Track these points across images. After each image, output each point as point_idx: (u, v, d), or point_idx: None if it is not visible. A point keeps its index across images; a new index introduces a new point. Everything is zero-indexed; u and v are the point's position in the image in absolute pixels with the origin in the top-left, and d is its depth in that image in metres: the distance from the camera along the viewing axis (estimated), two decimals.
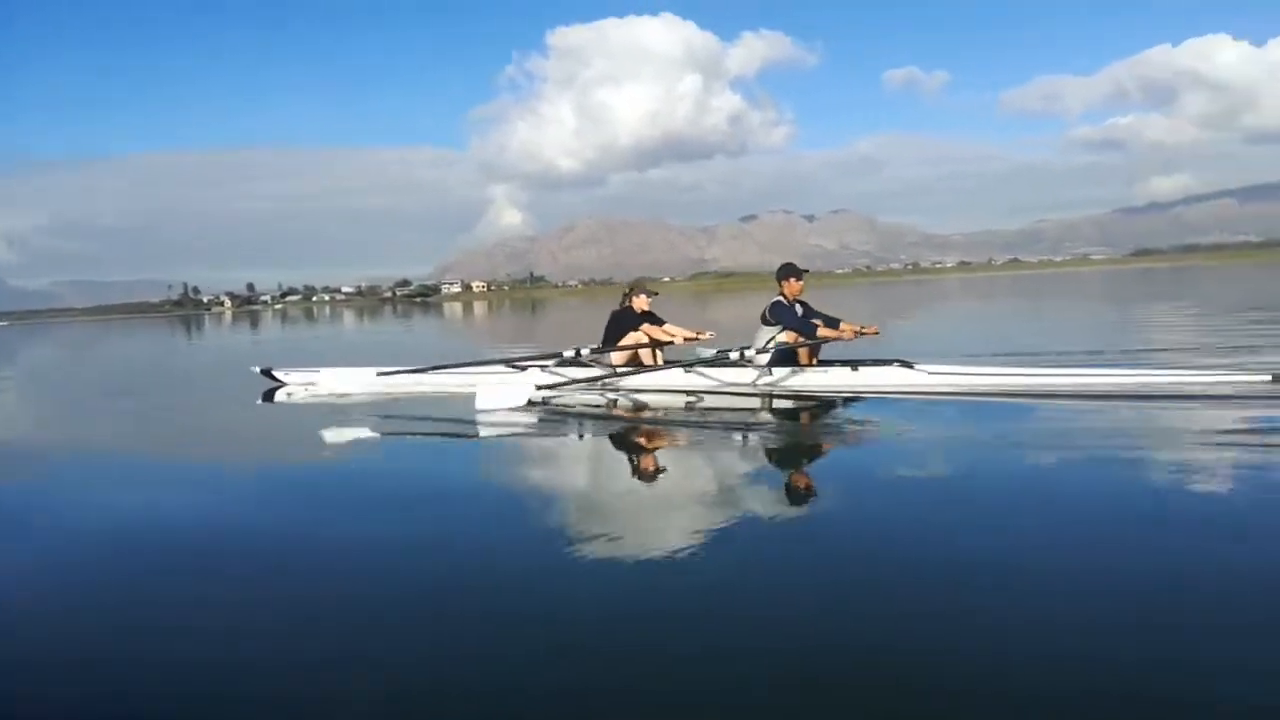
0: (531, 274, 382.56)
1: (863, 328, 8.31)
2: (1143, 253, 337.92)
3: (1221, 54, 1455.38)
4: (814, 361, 8.38)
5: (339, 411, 8.54)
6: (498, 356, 10.51)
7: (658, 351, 8.93)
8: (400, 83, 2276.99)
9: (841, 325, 8.22)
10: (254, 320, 71.13)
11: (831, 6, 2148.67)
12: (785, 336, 8.21)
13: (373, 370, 9.82)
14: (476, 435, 7.11)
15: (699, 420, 7.33)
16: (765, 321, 8.43)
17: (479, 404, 7.57)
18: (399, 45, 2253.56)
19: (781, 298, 8.52)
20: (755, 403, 7.89)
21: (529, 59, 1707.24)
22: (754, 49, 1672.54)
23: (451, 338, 27.52)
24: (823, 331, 8.23)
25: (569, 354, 8.90)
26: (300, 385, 9.93)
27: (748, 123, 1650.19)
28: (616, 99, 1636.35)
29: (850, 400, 7.62)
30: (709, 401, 7.97)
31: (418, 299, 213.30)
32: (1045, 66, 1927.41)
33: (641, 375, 8.60)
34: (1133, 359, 9.44)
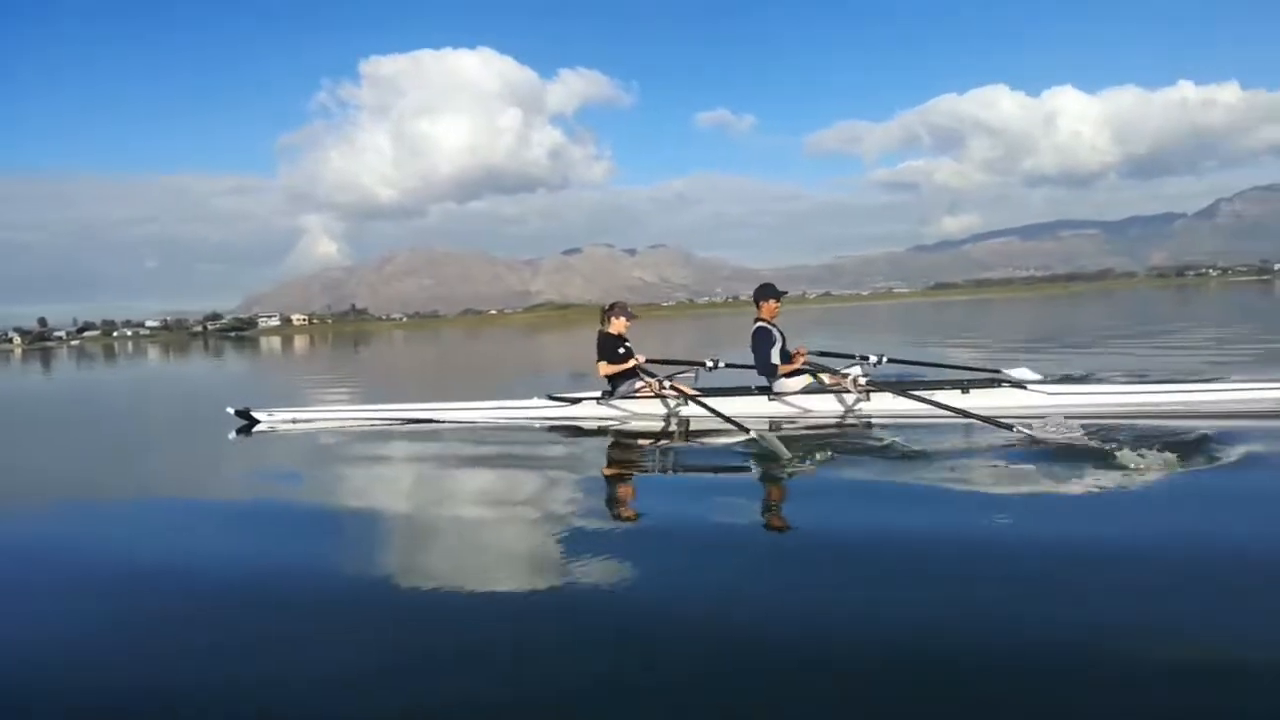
0: (354, 306, 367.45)
1: (799, 352, 8.04)
2: (940, 286, 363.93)
3: (1002, 103, 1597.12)
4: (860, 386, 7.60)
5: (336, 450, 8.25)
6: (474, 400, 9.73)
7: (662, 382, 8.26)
8: (197, 107, 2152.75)
9: (776, 364, 7.91)
10: (46, 358, 64.93)
11: (646, 47, 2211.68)
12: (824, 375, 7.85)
13: (368, 409, 9.79)
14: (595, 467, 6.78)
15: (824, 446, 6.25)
16: (752, 347, 8.10)
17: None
18: (195, 68, 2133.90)
19: (762, 321, 8.10)
20: (856, 426, 7.22)
21: (341, 86, 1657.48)
22: (573, 86, 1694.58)
23: (275, 374, 26.44)
24: (782, 370, 7.93)
25: (602, 391, 8.51)
26: (283, 423, 9.50)
27: (568, 157, 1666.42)
28: (435, 130, 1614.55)
29: (969, 427, 6.60)
30: (798, 428, 7.35)
31: (232, 333, 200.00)
32: (845, 112, 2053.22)
33: (715, 401, 7.67)
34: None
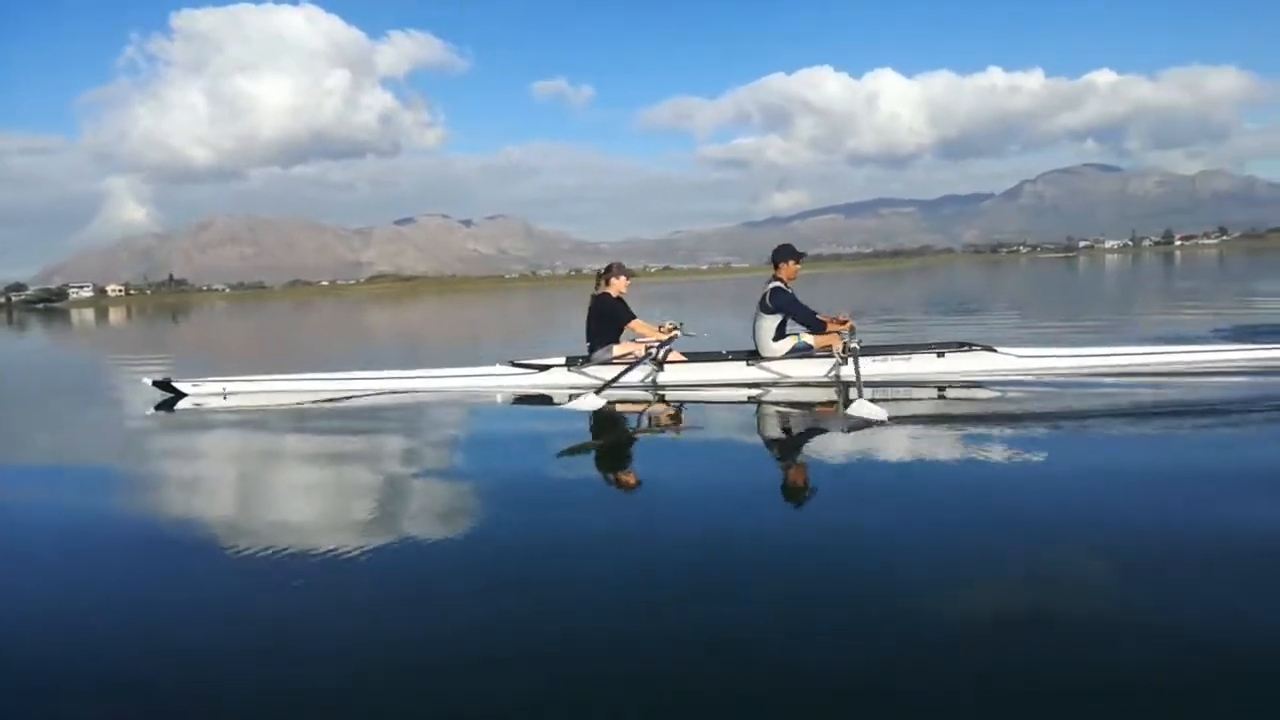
0: (171, 276, 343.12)
1: (838, 319, 7.72)
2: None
3: (827, 84, 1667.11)
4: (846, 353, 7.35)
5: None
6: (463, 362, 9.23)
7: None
8: None
9: (820, 316, 7.69)
10: None
11: (481, 11, 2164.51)
12: (806, 336, 7.71)
13: (310, 376, 8.69)
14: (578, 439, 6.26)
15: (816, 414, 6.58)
16: (765, 309, 7.73)
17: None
18: None
19: (779, 282, 7.84)
20: (852, 395, 6.74)
21: (151, 40, 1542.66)
22: (404, 48, 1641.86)
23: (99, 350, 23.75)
24: (830, 324, 7.63)
25: (566, 357, 8.08)
26: (212, 395, 8.38)
27: (400, 123, 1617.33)
28: (256, 89, 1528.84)
29: (943, 388, 7.07)
30: (784, 395, 7.23)
31: (39, 305, 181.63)
32: (678, 88, 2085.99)
33: (692, 368, 7.78)
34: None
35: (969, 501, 3.94)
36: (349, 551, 3.52)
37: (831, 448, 5.34)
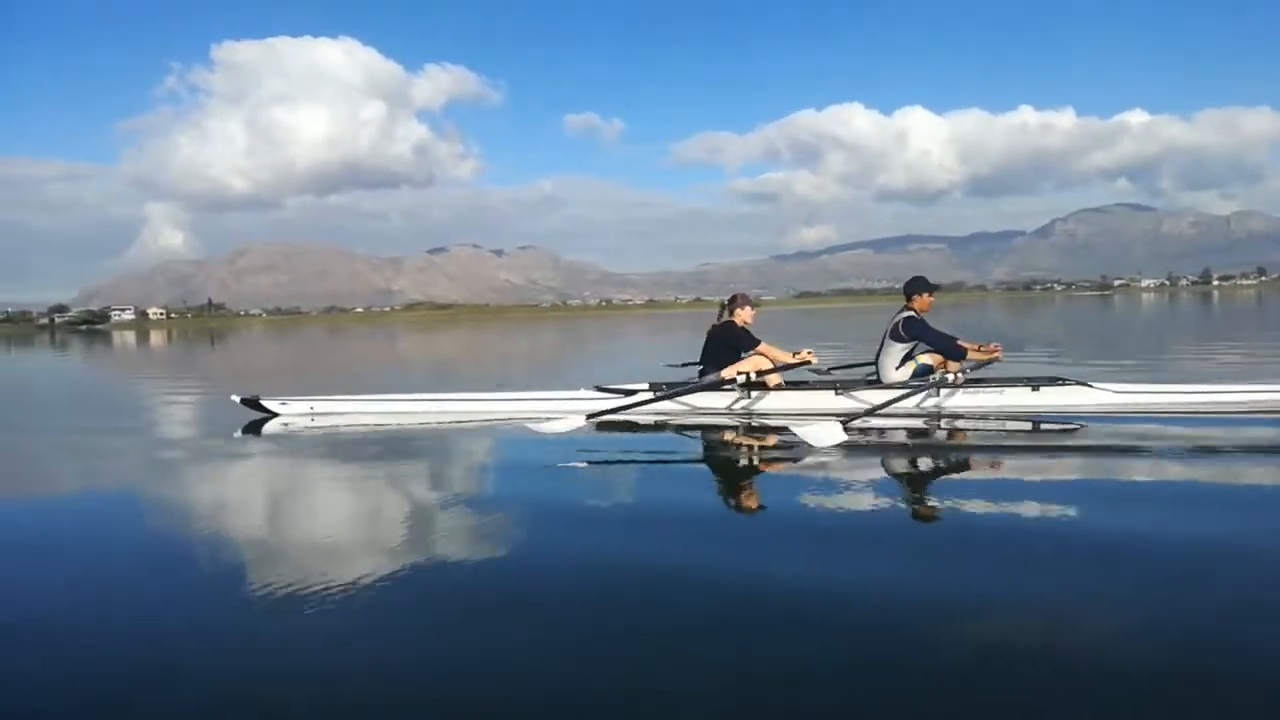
0: (210, 300, 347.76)
1: (985, 348, 7.76)
2: (805, 295, 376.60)
3: (856, 121, 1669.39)
4: (958, 379, 7.39)
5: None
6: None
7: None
8: (27, 89, 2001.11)
9: (962, 344, 7.68)
10: None
11: (515, 46, 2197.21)
12: (925, 358, 7.69)
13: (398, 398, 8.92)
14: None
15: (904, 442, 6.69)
16: (897, 338, 7.75)
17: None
18: (26, 48, 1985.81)
19: (912, 312, 7.84)
20: (941, 427, 7.11)
21: (192, 71, 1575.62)
22: (439, 82, 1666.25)
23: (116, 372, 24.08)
24: (972, 354, 7.65)
25: (649, 383, 8.08)
26: (300, 415, 8.37)
27: (434, 154, 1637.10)
28: (293, 120, 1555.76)
29: (1037, 423, 6.98)
30: (875, 424, 7.11)
31: (82, 326, 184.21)
32: (708, 123, 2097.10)
33: (785, 396, 7.69)
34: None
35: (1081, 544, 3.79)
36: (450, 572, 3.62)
37: (920, 483, 5.32)
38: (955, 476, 5.48)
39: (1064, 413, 7.17)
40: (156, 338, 70.38)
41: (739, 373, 7.78)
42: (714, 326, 8.17)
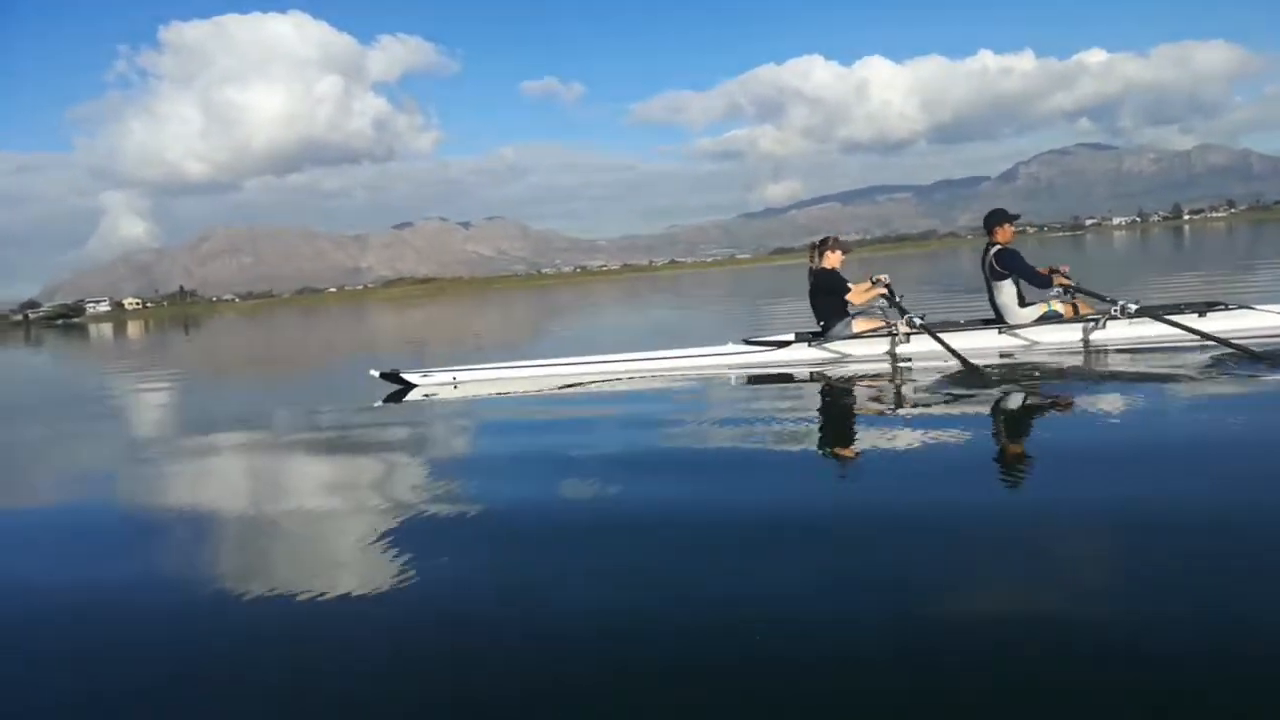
0: (182, 288, 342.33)
1: (1059, 271, 7.49)
2: (780, 252, 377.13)
3: (817, 73, 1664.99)
4: (1126, 311, 7.01)
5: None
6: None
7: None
8: None
9: (1040, 270, 7.48)
10: None
11: (470, 13, 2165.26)
12: (1056, 304, 7.48)
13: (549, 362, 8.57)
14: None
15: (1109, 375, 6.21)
16: (995, 273, 7.56)
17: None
18: None
19: (999, 245, 7.63)
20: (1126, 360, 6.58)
21: (140, 54, 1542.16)
22: (395, 53, 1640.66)
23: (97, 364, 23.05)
24: (1058, 280, 7.42)
25: (795, 333, 7.91)
26: (442, 385, 8.17)
27: (394, 127, 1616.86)
28: (247, 99, 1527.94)
29: (1217, 347, 6.19)
30: (1032, 361, 6.74)
31: (58, 320, 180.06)
32: (669, 82, 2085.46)
33: (947, 338, 6.97)
34: None
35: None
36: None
37: (1111, 411, 4.96)
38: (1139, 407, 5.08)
39: (1241, 336, 6.39)
40: (134, 329, 68.75)
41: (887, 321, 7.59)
42: (813, 275, 8.07)
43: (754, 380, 7.35)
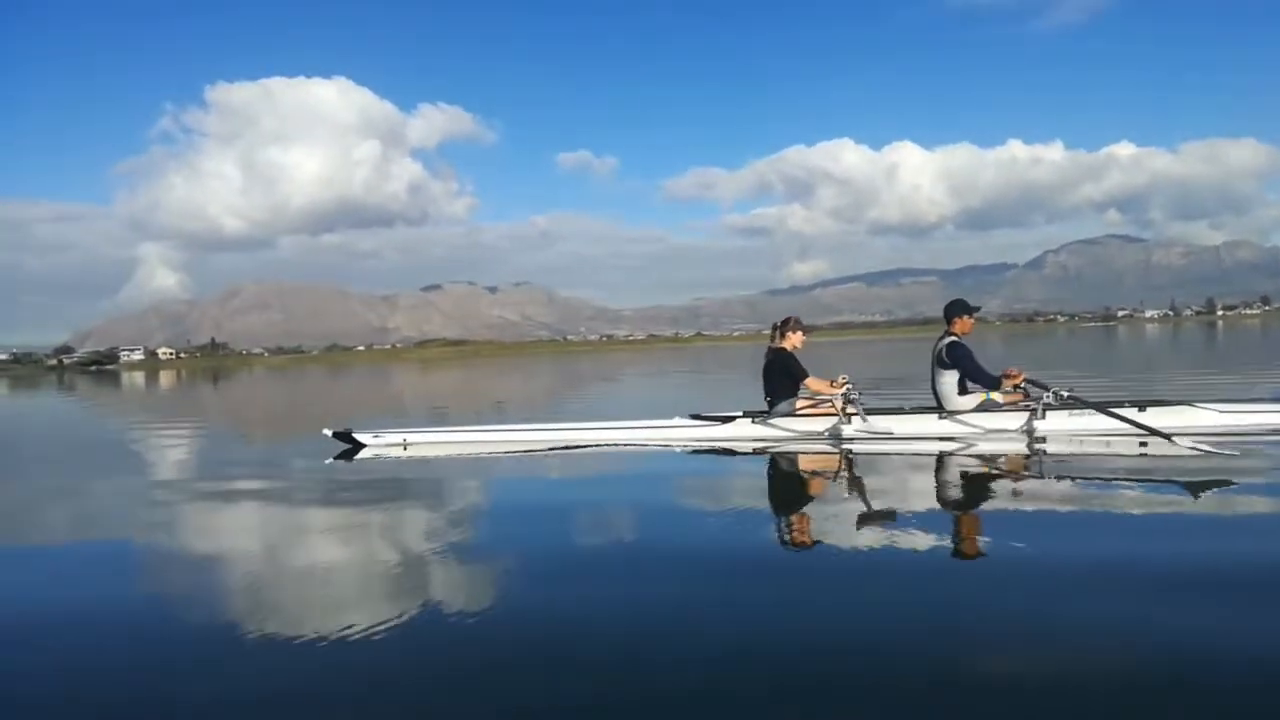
0: (213, 340, 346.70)
1: (1010, 373, 7.53)
2: (806, 329, 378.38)
3: (846, 156, 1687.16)
4: (1059, 399, 7.25)
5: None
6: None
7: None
8: (19, 130, 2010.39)
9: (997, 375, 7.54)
10: None
11: (509, 86, 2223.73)
12: (996, 395, 7.54)
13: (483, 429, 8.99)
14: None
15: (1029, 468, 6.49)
16: (942, 364, 7.64)
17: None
18: (20, 87, 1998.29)
19: (954, 337, 7.69)
20: (1046, 451, 6.83)
21: (186, 112, 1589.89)
22: (434, 121, 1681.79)
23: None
24: (1006, 380, 7.47)
25: (744, 410, 8.16)
26: (392, 446, 8.40)
27: (428, 192, 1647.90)
28: (287, 160, 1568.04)
29: (1144, 443, 6.67)
30: (975, 449, 7.04)
31: (92, 367, 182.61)
32: (700, 159, 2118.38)
33: (887, 420, 7.62)
34: None
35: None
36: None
37: (1042, 500, 5.19)
38: (1065, 495, 5.29)
39: (1172, 431, 6.73)
40: (166, 378, 69.19)
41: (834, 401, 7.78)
42: (770, 353, 8.19)
43: (698, 453, 7.60)
